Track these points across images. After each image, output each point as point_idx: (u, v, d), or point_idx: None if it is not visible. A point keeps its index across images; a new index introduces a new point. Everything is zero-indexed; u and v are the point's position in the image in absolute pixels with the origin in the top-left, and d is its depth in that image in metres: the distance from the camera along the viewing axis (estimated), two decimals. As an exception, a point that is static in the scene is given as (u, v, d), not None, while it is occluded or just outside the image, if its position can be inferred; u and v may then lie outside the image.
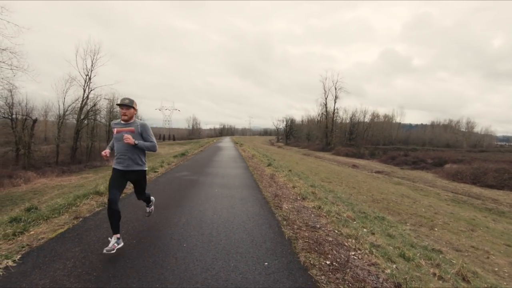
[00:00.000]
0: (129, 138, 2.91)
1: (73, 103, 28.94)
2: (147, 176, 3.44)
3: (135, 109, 3.05)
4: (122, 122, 3.01)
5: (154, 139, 3.13)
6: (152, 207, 3.85)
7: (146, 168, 3.23)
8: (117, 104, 2.95)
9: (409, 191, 14.58)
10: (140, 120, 3.23)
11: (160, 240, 3.20)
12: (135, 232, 3.44)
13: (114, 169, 3.01)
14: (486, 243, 7.26)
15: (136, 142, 2.97)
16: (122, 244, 2.87)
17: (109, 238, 2.85)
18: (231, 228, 3.73)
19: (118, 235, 2.84)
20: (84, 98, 28.89)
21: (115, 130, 3.00)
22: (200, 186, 6.61)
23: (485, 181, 17.69)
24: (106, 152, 2.99)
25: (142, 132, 3.04)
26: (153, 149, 3.08)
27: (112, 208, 2.77)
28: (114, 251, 2.69)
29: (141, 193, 3.40)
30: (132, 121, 3.04)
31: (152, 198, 3.78)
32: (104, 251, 2.66)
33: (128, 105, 2.93)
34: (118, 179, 2.95)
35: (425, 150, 44.41)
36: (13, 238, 3.11)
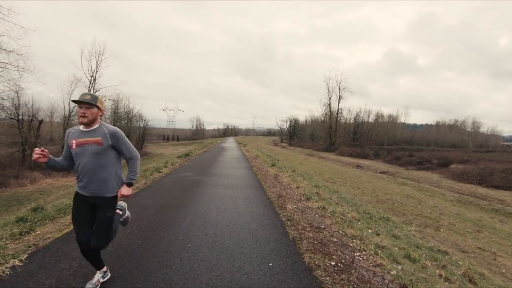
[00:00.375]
0: (122, 193, 2.23)
1: (78, 104, 29.20)
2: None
3: (100, 109, 2.20)
4: (82, 129, 2.16)
5: (134, 150, 2.31)
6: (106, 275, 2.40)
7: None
8: (73, 101, 2.14)
9: (414, 191, 14.46)
10: (110, 126, 2.25)
11: (165, 240, 3.21)
12: (140, 232, 3.46)
13: (76, 194, 2.22)
14: (493, 244, 7.17)
15: (129, 183, 2.27)
16: (109, 275, 2.37)
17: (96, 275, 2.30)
18: (235, 228, 3.73)
19: (105, 268, 2.34)
20: (89, 99, 29.11)
21: (73, 142, 2.14)
22: (204, 186, 6.62)
23: (491, 182, 17.47)
24: (38, 153, 2.02)
25: (115, 144, 2.20)
26: (137, 163, 2.34)
27: (86, 250, 2.16)
28: (98, 287, 2.24)
29: (101, 234, 2.16)
30: (96, 126, 2.18)
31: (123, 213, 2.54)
32: None
33: (89, 102, 2.09)
34: (83, 210, 2.18)
35: (430, 150, 44.02)
36: (20, 238, 3.15)
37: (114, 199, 2.27)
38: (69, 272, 2.43)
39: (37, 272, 2.41)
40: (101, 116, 2.25)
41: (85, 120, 2.11)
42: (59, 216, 3.95)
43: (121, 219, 2.48)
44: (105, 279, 2.32)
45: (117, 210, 2.47)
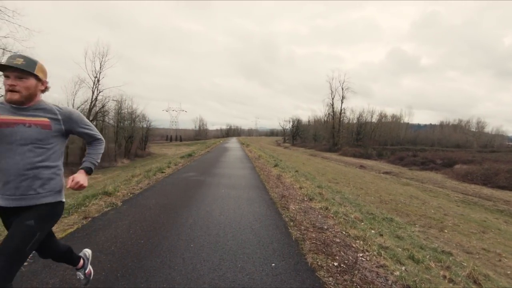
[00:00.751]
0: (77, 181, 1.57)
1: (82, 104, 29.52)
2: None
3: (42, 82, 1.52)
4: (12, 105, 1.43)
5: (95, 130, 1.74)
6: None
7: (64, 199, 1.64)
8: None
9: (418, 192, 14.37)
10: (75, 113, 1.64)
11: (168, 241, 3.22)
12: (143, 232, 3.47)
13: (1, 208, 1.49)
14: (497, 245, 7.10)
15: (89, 168, 1.67)
16: (90, 255, 2.19)
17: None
18: (238, 228, 3.74)
19: (81, 263, 2.05)
20: (93, 99, 29.40)
21: None
22: (207, 186, 6.63)
23: (496, 182, 17.30)
24: None
25: (73, 128, 1.59)
26: (103, 146, 1.79)
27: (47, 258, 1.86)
28: (91, 276, 2.16)
29: (5, 252, 1.38)
30: (34, 103, 1.48)
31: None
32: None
33: (22, 69, 1.39)
34: None
35: (434, 150, 43.70)
36: (25, 238, 3.17)
37: (58, 207, 1.60)
38: (73, 271, 2.44)
39: (41, 272, 2.42)
40: (43, 91, 1.55)
41: (16, 96, 1.40)
42: (62, 216, 3.98)
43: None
44: (88, 262, 2.15)
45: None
